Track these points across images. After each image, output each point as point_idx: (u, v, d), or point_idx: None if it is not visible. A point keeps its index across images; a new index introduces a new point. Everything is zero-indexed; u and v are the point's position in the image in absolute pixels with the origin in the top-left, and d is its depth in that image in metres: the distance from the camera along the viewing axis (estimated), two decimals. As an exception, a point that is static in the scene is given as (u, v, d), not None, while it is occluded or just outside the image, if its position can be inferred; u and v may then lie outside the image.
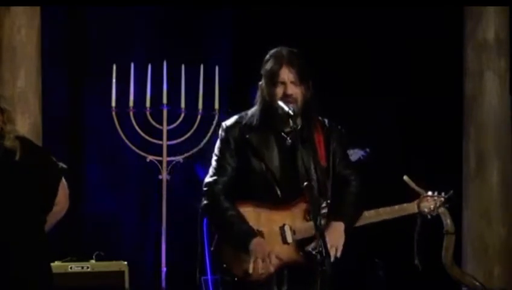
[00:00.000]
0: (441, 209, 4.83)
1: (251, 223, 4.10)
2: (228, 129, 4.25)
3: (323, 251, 3.82)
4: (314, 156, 4.10)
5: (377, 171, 7.23)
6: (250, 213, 4.13)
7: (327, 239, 3.94)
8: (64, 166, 4.09)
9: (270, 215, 4.13)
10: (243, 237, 4.07)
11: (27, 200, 3.92)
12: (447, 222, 5.72)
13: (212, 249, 4.23)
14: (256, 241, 4.04)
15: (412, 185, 5.18)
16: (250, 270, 4.02)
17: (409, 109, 7.56)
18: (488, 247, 6.69)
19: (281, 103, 4.12)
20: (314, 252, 3.97)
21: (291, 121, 4.08)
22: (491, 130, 6.75)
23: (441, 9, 7.17)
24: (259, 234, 4.10)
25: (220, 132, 4.30)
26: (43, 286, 3.99)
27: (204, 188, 4.22)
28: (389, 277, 7.53)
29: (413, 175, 5.19)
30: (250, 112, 4.27)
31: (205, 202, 4.20)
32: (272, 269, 4.07)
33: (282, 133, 4.20)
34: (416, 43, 7.48)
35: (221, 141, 4.26)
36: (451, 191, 4.39)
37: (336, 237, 4.13)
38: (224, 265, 4.16)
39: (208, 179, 4.23)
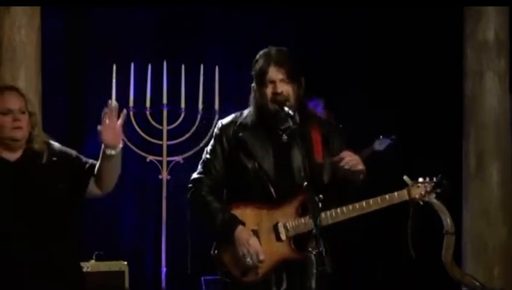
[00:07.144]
0: (434, 200, 4.76)
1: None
2: (224, 128, 4.27)
3: (323, 250, 3.82)
4: (309, 152, 4.10)
5: (376, 172, 7.24)
6: (243, 213, 4.13)
7: (345, 155, 4.01)
8: (95, 162, 4.09)
9: (263, 214, 4.14)
10: (227, 226, 4.10)
11: (53, 201, 3.99)
12: (447, 222, 5.71)
13: (211, 252, 4.23)
14: (239, 229, 4.08)
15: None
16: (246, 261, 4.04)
17: (409, 109, 7.56)
18: (488, 247, 6.68)
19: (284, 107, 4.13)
20: (314, 252, 3.98)
21: (291, 121, 4.08)
22: (491, 130, 6.74)
23: (441, 9, 7.17)
24: (253, 233, 4.11)
25: (215, 130, 4.32)
26: (80, 284, 4.06)
27: (189, 185, 4.26)
28: (389, 277, 7.53)
29: (413, 175, 5.18)
30: (245, 111, 4.29)
31: (189, 197, 4.25)
32: (261, 268, 4.09)
33: (279, 131, 4.20)
34: (417, 43, 7.48)
35: (215, 139, 4.30)
36: (440, 175, 4.35)
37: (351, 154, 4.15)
38: (223, 267, 4.17)
39: (194, 175, 4.27)
